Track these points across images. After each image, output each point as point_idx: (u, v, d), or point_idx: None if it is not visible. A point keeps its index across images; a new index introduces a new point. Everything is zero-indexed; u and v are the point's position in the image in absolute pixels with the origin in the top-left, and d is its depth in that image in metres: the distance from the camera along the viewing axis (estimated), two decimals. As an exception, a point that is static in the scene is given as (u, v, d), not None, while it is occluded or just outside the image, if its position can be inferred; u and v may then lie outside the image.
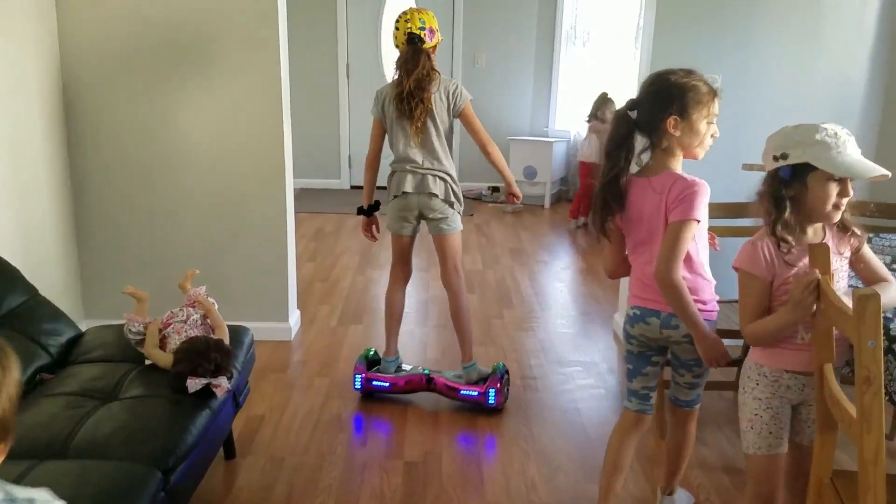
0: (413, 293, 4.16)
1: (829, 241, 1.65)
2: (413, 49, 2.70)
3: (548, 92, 6.90)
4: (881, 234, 2.46)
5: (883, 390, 1.36)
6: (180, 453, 1.76)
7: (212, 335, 2.20)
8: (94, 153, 3.17)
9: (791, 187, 1.59)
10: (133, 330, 2.18)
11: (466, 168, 6.99)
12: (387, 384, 2.87)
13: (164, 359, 2.07)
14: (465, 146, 7.09)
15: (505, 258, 4.88)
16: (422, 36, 2.70)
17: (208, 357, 1.98)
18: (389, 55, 6.87)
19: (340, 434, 2.61)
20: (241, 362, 2.26)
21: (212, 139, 3.17)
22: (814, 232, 1.65)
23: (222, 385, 1.97)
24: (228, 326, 2.29)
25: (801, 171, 1.57)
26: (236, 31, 3.06)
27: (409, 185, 2.72)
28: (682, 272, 1.77)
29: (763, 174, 1.69)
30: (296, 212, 3.57)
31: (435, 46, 2.77)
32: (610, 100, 5.72)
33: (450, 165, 2.79)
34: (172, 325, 2.19)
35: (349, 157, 7.08)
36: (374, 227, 2.95)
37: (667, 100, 1.77)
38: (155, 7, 3.03)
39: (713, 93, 1.81)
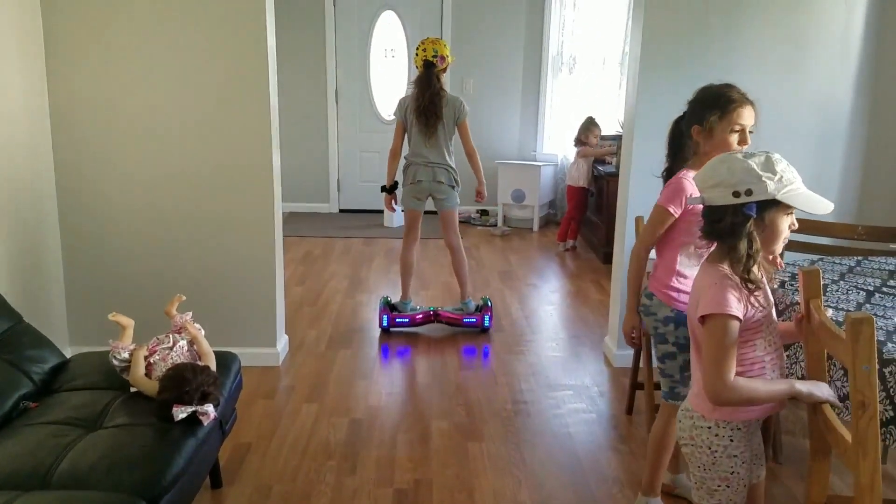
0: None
1: (763, 272, 1.57)
2: (427, 72, 3.64)
3: (535, 116, 6.95)
4: (870, 258, 2.48)
5: (878, 415, 1.36)
6: (166, 483, 1.72)
7: (198, 362, 2.17)
8: (80, 178, 3.14)
9: (754, 223, 1.49)
10: (119, 357, 2.15)
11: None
12: (406, 320, 3.83)
13: (150, 386, 2.04)
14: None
15: (494, 281, 4.88)
16: (434, 62, 3.65)
17: (194, 384, 1.95)
18: (377, 81, 6.92)
19: (329, 461, 2.57)
20: (228, 389, 2.23)
21: (201, 163, 3.16)
22: (757, 267, 1.54)
23: (209, 413, 1.94)
24: (215, 352, 2.26)
25: (761, 207, 1.48)
26: (225, 58, 3.07)
27: (422, 175, 3.72)
28: (676, 255, 2.04)
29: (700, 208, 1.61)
30: (284, 236, 3.55)
31: (445, 68, 3.70)
32: (596, 124, 5.76)
33: (451, 159, 3.75)
34: (158, 352, 2.16)
35: (338, 180, 7.08)
36: (392, 201, 3.90)
37: (693, 110, 2.02)
38: (145, 39, 3.04)
39: (740, 103, 1.93)
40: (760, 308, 1.53)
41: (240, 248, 3.24)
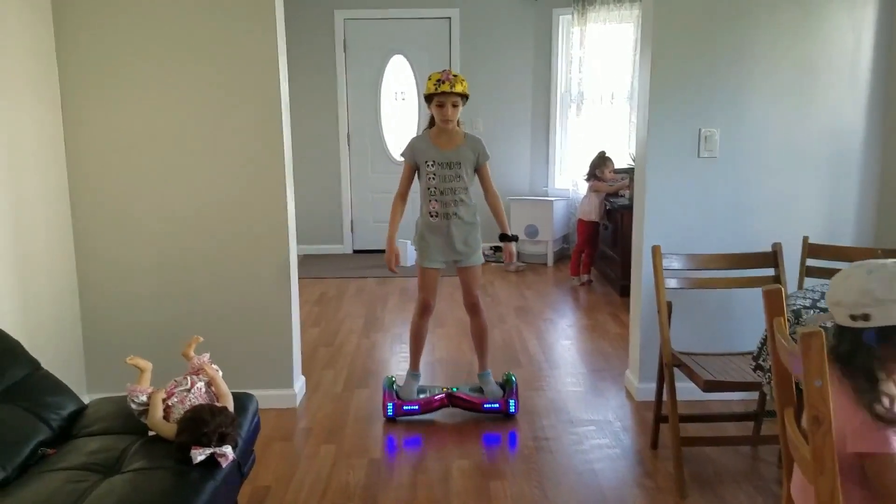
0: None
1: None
2: None
3: (546, 152, 7.00)
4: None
5: (832, 430, 1.31)
6: (184, 528, 1.69)
7: (216, 403, 2.16)
8: (97, 224, 3.18)
9: (876, 351, 1.33)
10: (136, 401, 2.14)
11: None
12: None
13: (168, 429, 2.02)
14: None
15: (511, 317, 4.84)
16: None
17: (212, 426, 1.93)
18: (388, 123, 7.01)
19: (349, 503, 2.53)
20: (246, 430, 2.20)
21: (215, 206, 3.19)
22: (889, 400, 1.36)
23: (227, 454, 1.92)
24: (233, 394, 2.24)
25: (883, 330, 1.33)
26: (239, 99, 3.12)
27: None
28: None
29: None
30: (299, 277, 3.56)
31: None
32: (608, 158, 5.78)
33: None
34: (176, 395, 2.14)
35: (351, 222, 7.13)
36: None
37: None
38: (159, 85, 3.10)
39: None
40: None
41: (256, 290, 3.25)
